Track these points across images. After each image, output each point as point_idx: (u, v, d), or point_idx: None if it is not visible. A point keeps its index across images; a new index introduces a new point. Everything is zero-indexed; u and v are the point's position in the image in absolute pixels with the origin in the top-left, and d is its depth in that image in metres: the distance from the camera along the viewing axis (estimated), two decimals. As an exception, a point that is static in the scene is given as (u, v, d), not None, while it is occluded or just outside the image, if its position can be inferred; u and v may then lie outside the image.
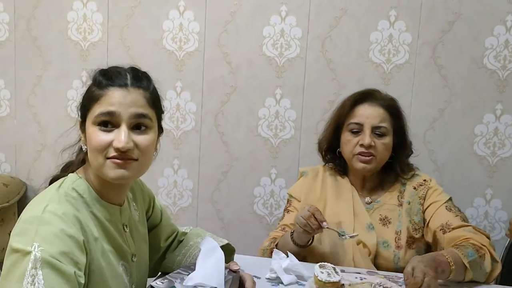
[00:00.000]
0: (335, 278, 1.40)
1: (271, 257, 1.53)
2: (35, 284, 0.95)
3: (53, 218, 1.03)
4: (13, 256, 0.99)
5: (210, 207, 2.43)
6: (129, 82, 1.10)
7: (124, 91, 1.09)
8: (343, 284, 1.43)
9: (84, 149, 1.15)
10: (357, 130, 1.65)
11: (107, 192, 1.17)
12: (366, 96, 1.68)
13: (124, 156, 1.08)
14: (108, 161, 1.09)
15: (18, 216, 2.59)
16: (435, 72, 2.20)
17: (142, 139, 1.11)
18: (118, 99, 1.08)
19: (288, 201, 1.82)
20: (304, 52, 2.28)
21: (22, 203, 2.48)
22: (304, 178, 1.80)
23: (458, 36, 2.17)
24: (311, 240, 1.61)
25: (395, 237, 1.64)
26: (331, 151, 1.75)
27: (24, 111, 2.55)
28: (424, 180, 1.69)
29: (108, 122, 1.09)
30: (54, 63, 2.50)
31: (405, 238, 1.63)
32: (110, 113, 1.08)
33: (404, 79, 2.23)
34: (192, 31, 2.35)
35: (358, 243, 1.63)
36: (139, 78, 1.13)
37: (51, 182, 1.19)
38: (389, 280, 1.48)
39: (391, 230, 1.65)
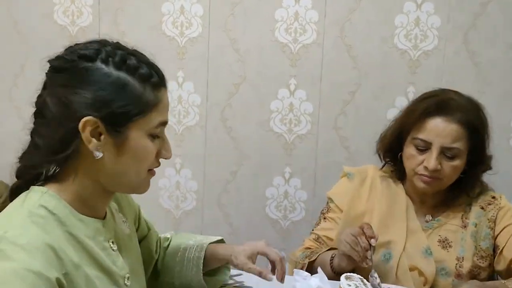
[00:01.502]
0: None
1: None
2: None
3: (13, 250, 0.79)
4: None
5: (217, 211, 2.20)
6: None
7: (166, 93, 0.98)
8: None
9: (97, 156, 0.91)
10: (423, 148, 1.42)
11: (87, 205, 0.95)
12: (440, 108, 1.41)
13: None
14: (149, 173, 0.99)
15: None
16: (467, 59, 1.99)
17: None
18: (167, 106, 0.98)
19: (327, 205, 1.58)
20: (321, 37, 2.04)
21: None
22: (349, 181, 1.56)
23: (492, 19, 1.95)
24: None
25: (456, 264, 1.42)
26: (390, 153, 1.53)
27: (5, 105, 2.27)
28: (493, 198, 1.47)
29: (157, 134, 0.97)
30: (39, 50, 2.21)
31: (468, 266, 1.41)
32: (165, 123, 0.97)
33: (433, 67, 2.01)
34: (195, 15, 2.10)
35: (412, 270, 1.40)
36: None
37: (13, 193, 0.95)
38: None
39: (452, 255, 1.43)
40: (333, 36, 2.04)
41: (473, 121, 1.42)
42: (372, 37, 2.02)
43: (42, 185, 0.94)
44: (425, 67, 2.01)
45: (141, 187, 1.00)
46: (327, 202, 1.59)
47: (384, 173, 1.55)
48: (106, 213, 1.02)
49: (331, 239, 1.52)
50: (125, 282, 1.00)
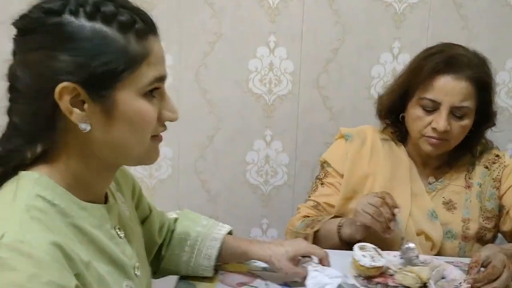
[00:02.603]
0: (380, 262, 1.16)
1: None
2: None
3: (14, 257, 0.66)
4: None
5: (194, 178, 2.07)
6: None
7: (159, 42, 0.85)
8: (388, 268, 1.19)
9: (84, 129, 0.76)
10: (431, 109, 1.33)
11: (86, 189, 0.81)
12: (449, 65, 1.32)
13: None
14: (154, 139, 0.87)
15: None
16: (453, 11, 1.91)
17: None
18: (162, 57, 0.85)
19: (323, 170, 1.48)
20: (301, -10, 1.91)
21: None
22: (348, 143, 1.45)
23: (479, -31, 1.87)
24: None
25: (462, 226, 1.36)
26: (392, 113, 1.43)
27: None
28: (497, 156, 1.41)
29: (154, 93, 0.83)
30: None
31: (475, 228, 1.36)
32: (162, 79, 0.84)
33: (418, 21, 1.92)
34: (163, -33, 1.92)
35: (418, 234, 1.34)
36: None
37: None
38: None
39: (457, 217, 1.37)
40: (314, -12, 1.91)
41: (482, 77, 1.35)
42: (355, -11, 1.91)
43: (28, 169, 0.79)
44: (410, 21, 1.92)
45: (148, 157, 0.88)
46: (323, 167, 1.49)
47: (384, 134, 1.47)
48: (106, 195, 0.89)
49: (331, 206, 1.43)
50: (135, 272, 0.89)
